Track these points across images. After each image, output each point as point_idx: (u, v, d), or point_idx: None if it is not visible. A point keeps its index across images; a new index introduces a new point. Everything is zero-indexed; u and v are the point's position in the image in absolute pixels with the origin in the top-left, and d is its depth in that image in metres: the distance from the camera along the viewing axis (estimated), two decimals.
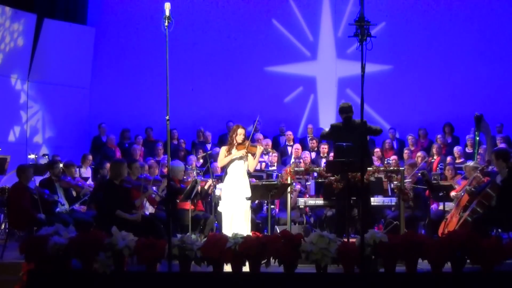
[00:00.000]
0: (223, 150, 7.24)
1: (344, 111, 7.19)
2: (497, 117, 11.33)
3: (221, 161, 7.24)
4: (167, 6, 5.22)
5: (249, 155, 7.14)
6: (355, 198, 6.90)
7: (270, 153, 10.07)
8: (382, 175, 7.95)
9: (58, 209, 7.66)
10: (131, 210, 6.89)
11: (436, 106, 12.40)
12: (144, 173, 8.38)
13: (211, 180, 8.10)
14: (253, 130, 7.90)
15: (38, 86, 11.33)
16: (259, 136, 11.11)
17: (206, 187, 8.21)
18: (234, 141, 7.11)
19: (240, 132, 7.12)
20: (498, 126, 11.24)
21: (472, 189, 7.12)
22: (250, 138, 7.48)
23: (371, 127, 7.24)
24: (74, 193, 8.22)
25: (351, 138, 6.88)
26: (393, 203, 8.02)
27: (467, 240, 5.19)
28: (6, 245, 6.91)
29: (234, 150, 7.11)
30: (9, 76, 10.89)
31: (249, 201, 7.15)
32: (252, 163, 7.20)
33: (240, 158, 7.11)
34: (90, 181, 9.17)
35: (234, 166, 7.14)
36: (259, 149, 7.19)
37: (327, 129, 7.50)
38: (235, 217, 6.95)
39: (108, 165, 9.17)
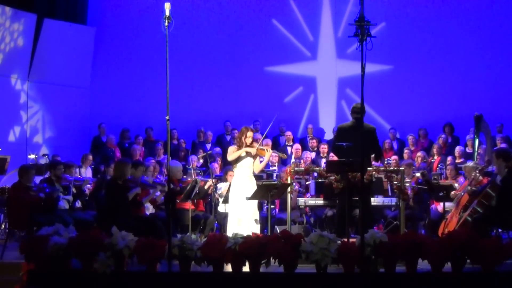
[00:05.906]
0: (233, 148, 7.26)
1: (355, 111, 7.12)
2: (497, 117, 11.32)
3: (231, 155, 7.22)
4: (167, 6, 5.22)
5: (257, 157, 7.20)
6: (356, 198, 6.89)
7: (277, 155, 10.02)
8: (382, 175, 7.95)
9: (61, 203, 7.65)
10: (133, 210, 6.90)
11: (436, 106, 12.39)
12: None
13: (211, 180, 8.10)
14: (267, 130, 7.83)
15: (38, 86, 11.33)
16: (258, 136, 11.08)
17: (206, 187, 8.21)
18: (244, 144, 7.14)
19: (249, 135, 7.18)
20: (498, 126, 11.24)
21: (473, 188, 7.11)
22: (263, 138, 7.66)
23: (377, 143, 7.15)
24: (74, 190, 8.20)
25: (356, 139, 6.84)
26: (393, 203, 8.01)
27: (467, 240, 5.18)
28: (6, 245, 6.91)
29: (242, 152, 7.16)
30: (9, 76, 10.89)
31: (256, 202, 7.18)
32: (258, 166, 7.31)
33: (254, 156, 7.13)
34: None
35: (240, 168, 7.18)
36: (268, 154, 7.25)
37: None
38: (244, 219, 7.03)
39: (112, 166, 9.19)
